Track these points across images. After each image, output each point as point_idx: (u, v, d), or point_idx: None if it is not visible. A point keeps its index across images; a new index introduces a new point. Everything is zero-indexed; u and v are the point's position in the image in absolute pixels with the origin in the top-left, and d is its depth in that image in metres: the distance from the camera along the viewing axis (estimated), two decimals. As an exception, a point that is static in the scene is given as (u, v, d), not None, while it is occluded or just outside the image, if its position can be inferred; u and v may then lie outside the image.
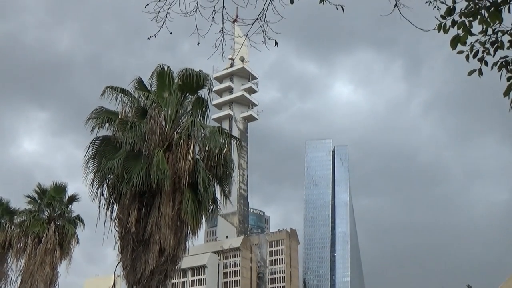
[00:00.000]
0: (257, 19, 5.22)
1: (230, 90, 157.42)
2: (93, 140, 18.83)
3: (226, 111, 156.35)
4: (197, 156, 18.93)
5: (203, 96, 19.86)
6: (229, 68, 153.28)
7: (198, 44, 5.55)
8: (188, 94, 20.05)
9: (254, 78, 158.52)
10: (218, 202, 19.53)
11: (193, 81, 19.28)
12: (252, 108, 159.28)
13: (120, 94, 19.21)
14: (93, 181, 18.33)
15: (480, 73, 4.56)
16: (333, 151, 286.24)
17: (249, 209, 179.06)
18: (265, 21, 5.31)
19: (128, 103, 19.23)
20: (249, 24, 5.20)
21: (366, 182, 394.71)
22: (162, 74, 19.89)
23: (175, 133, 19.13)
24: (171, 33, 5.37)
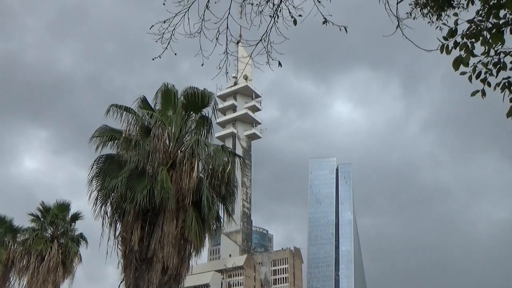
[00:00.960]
0: (260, 40, 5.29)
1: (233, 108, 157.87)
2: (97, 158, 18.90)
3: (229, 129, 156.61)
4: (201, 175, 18.94)
5: (207, 115, 19.97)
6: (232, 86, 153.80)
7: (202, 65, 5.60)
8: (192, 112, 20.13)
9: (257, 96, 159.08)
10: (222, 220, 19.50)
11: (197, 100, 19.39)
12: (255, 126, 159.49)
13: (125, 112, 19.31)
14: (96, 199, 18.35)
15: (483, 94, 4.58)
16: (337, 169, 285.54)
17: (253, 228, 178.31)
18: (269, 42, 5.39)
19: (132, 122, 19.33)
20: (253, 45, 5.27)
21: (368, 200, 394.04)
22: (167, 93, 20.01)
23: (179, 151, 19.17)
24: (175, 54, 5.44)
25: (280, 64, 5.48)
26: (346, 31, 5.41)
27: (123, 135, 18.85)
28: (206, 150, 19.07)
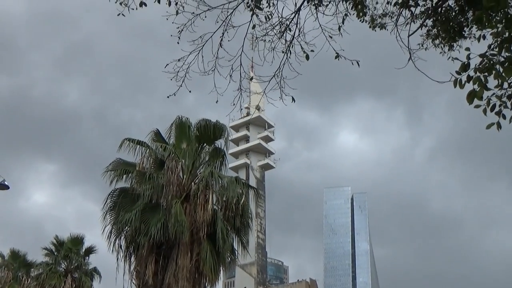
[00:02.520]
0: (274, 76, 5.37)
1: (246, 139, 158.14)
2: (111, 192, 19.02)
3: (242, 160, 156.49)
4: (215, 207, 18.95)
5: (220, 146, 20.08)
6: (245, 117, 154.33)
7: (217, 102, 5.69)
8: (205, 144, 20.25)
9: (270, 126, 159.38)
10: (236, 252, 19.42)
11: (210, 132, 19.54)
12: (268, 156, 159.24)
13: (138, 146, 19.50)
14: (110, 233, 18.40)
15: (499, 126, 4.60)
16: (352, 199, 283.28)
17: (267, 259, 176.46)
18: (282, 77, 5.48)
19: (146, 155, 19.49)
20: (266, 81, 5.36)
21: (383, 230, 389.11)
22: (181, 126, 20.21)
23: (193, 183, 19.24)
24: (190, 91, 5.53)
25: (293, 99, 5.56)
26: (359, 65, 5.49)
27: (136, 169, 18.97)
28: (220, 182, 19.12)
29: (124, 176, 19.25)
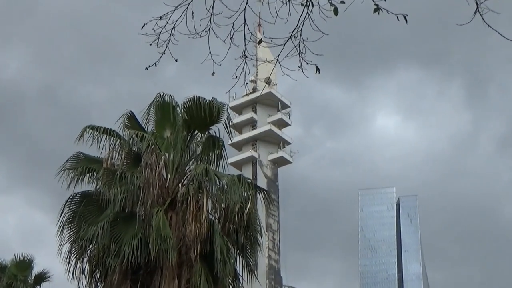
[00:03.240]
0: (290, 37, 5.35)
1: (252, 123, 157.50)
2: (69, 198, 19.17)
3: (247, 153, 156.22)
4: (211, 217, 19.08)
5: (217, 134, 20.17)
6: (250, 94, 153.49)
7: (213, 74, 5.70)
8: (196, 132, 20.35)
9: (285, 106, 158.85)
10: (241, 278, 19.54)
11: (203, 114, 19.59)
12: (283, 147, 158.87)
13: (104, 135, 19.64)
14: (69, 253, 18.55)
15: None
16: (397, 204, 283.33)
17: (283, 287, 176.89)
18: (301, 39, 5.44)
19: (116, 147, 19.61)
20: (279, 45, 5.33)
21: (439, 246, 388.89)
22: (163, 106, 20.34)
23: (180, 185, 19.34)
24: (176, 60, 5.54)
25: (318, 69, 5.54)
26: (406, 21, 5.47)
27: (103, 166, 19.11)
28: (218, 183, 19.23)
29: (87, 176, 19.39)
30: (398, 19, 5.58)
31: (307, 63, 5.53)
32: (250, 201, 19.21)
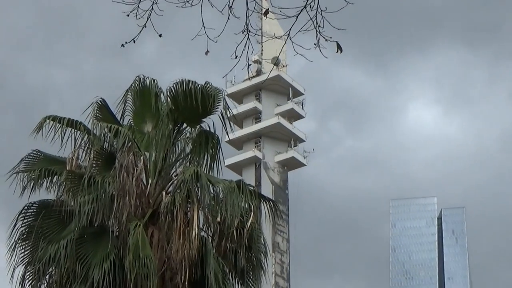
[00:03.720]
0: (304, 7, 5.33)
1: (256, 115, 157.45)
2: (23, 209, 19.18)
3: (250, 152, 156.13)
4: (203, 233, 19.16)
5: (211, 129, 20.26)
6: (253, 77, 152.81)
7: (207, 53, 5.70)
8: (185, 125, 20.41)
9: (297, 93, 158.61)
10: (241, 312, 19.58)
11: (194, 103, 19.59)
12: (294, 146, 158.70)
13: (68, 128, 19.67)
14: (23, 279, 18.60)
15: None
16: (439, 218, 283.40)
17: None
18: (318, 9, 5.40)
19: (83, 145, 19.63)
20: (291, 17, 5.31)
21: (492, 272, 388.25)
22: (143, 93, 20.40)
23: (164, 193, 19.37)
24: (160, 35, 5.55)
25: (339, 47, 5.50)
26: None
27: (67, 168, 19.15)
28: (212, 190, 19.28)
29: (46, 180, 19.43)
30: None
31: (325, 40, 5.55)
32: (252, 213, 19.21)
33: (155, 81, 20.65)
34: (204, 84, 19.88)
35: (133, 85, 20.60)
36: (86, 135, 19.78)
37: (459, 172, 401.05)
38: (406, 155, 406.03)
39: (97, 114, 20.19)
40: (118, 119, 20.51)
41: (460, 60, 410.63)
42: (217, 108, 20.11)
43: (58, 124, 19.67)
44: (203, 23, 5.65)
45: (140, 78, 20.59)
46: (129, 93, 20.62)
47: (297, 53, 6.03)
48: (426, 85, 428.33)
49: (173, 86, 19.92)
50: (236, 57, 6.01)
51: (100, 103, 20.40)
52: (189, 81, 19.82)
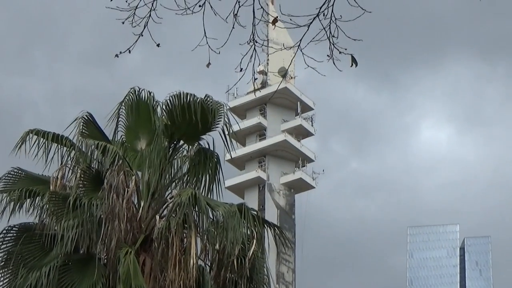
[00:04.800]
0: (318, 15, 5.35)
1: (260, 131, 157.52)
2: (2, 232, 19.23)
3: (253, 173, 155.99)
4: (201, 262, 19.15)
5: (210, 147, 20.30)
6: (257, 90, 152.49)
7: (209, 65, 5.71)
8: (182, 142, 20.45)
9: (306, 108, 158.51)
10: None
11: (194, 118, 19.58)
12: (302, 166, 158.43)
13: (54, 144, 19.73)
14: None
15: None
16: (462, 248, 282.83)
17: None
18: (333, 18, 5.41)
19: (69, 162, 19.66)
20: (302, 26, 5.31)
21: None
22: (138, 106, 20.44)
23: (158, 217, 19.37)
24: (158, 45, 5.57)
25: (354, 60, 5.50)
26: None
27: (50, 189, 19.19)
28: (211, 215, 19.29)
29: (27, 202, 19.43)
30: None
31: (339, 52, 5.55)
32: (255, 241, 19.23)
33: (151, 94, 20.63)
34: (204, 97, 19.88)
35: (127, 97, 20.61)
36: (72, 151, 19.78)
37: (480, 197, 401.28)
38: (420, 178, 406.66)
39: (83, 130, 20.15)
40: (108, 134, 20.49)
41: (474, 75, 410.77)
42: (218, 123, 20.12)
43: (41, 139, 19.69)
44: (204, 32, 5.68)
45: (134, 90, 20.59)
46: (122, 106, 20.62)
47: (308, 66, 6.05)
48: (434, 102, 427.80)
49: (169, 100, 19.93)
50: (241, 69, 6.03)
51: (86, 118, 20.37)
52: (187, 94, 19.78)
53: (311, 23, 5.69)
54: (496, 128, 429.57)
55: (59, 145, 19.78)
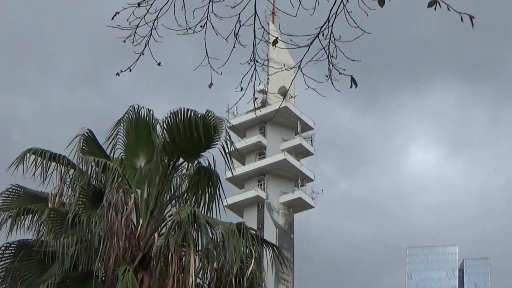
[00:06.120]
0: (318, 35, 5.42)
1: (260, 150, 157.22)
2: (0, 249, 19.31)
3: (252, 192, 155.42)
4: (199, 281, 19.18)
5: (210, 165, 20.30)
6: (257, 108, 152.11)
7: (211, 85, 5.78)
8: (181, 160, 20.47)
9: (306, 128, 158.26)
10: None
11: (195, 134, 19.55)
12: (302, 185, 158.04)
13: (52, 163, 19.78)
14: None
15: None
16: (461, 270, 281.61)
17: None
18: (331, 38, 5.49)
19: (68, 180, 19.71)
20: (302, 47, 5.39)
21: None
22: (137, 124, 20.44)
23: (156, 235, 19.39)
24: (159, 64, 5.64)
25: (354, 81, 5.59)
26: (472, 24, 5.57)
27: (49, 206, 19.19)
28: (210, 234, 19.29)
29: (26, 219, 19.43)
30: (462, 19, 5.69)
31: (339, 73, 5.64)
32: (253, 260, 19.20)
33: (151, 112, 20.66)
34: (206, 112, 19.86)
35: (126, 115, 20.64)
36: (71, 169, 19.80)
37: (480, 217, 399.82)
38: (417, 199, 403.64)
39: (84, 147, 20.20)
40: (108, 152, 20.54)
41: (455, 98, 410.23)
42: (219, 140, 20.13)
43: (39, 157, 19.73)
44: (206, 52, 5.74)
45: (134, 108, 20.61)
46: (121, 124, 20.65)
47: (309, 86, 6.12)
48: (421, 125, 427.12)
49: (169, 117, 19.88)
50: (242, 89, 6.08)
51: (86, 135, 20.39)
52: (187, 109, 19.67)
53: (311, 43, 5.74)
54: (482, 151, 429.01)
55: (57, 164, 19.78)
